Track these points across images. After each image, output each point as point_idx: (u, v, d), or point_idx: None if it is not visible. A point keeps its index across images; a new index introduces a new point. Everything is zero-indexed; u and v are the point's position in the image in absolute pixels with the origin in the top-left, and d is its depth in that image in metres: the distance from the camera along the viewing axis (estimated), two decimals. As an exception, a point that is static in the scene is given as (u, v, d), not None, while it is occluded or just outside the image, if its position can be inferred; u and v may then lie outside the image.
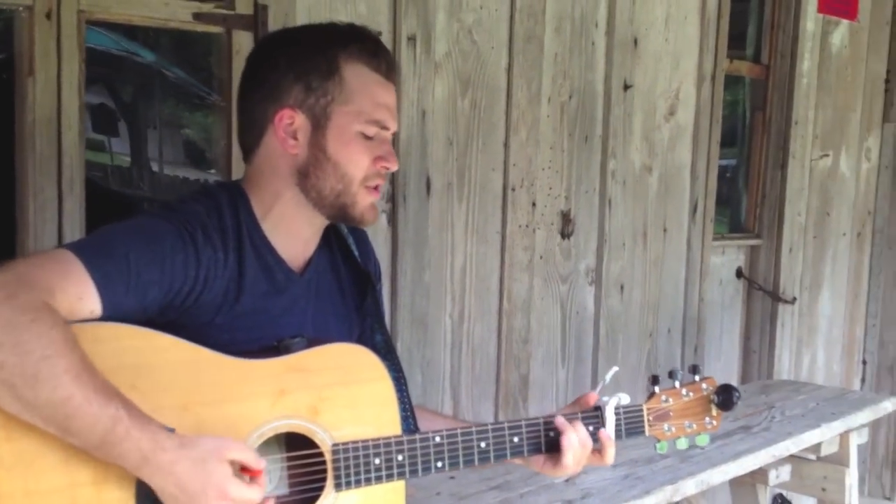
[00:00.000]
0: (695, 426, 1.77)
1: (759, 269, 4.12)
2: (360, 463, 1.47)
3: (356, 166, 1.51)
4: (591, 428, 1.65)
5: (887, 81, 4.72)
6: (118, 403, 1.21)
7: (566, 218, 3.14)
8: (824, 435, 3.27)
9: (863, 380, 4.99)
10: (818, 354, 4.55)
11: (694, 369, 1.81)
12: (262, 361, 1.42)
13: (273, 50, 1.58)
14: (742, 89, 4.06)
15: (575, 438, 1.61)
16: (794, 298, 4.18)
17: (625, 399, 1.71)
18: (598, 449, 1.66)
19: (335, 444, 1.44)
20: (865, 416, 3.46)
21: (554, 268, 3.13)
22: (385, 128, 1.54)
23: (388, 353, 1.69)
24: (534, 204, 3.02)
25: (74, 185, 2.04)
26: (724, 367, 4.04)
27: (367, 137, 1.52)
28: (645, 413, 1.73)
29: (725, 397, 1.77)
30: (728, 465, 2.86)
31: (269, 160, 1.53)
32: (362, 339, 1.73)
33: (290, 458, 1.45)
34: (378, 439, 1.48)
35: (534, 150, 2.99)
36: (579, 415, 1.66)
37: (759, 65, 4.02)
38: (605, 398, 1.70)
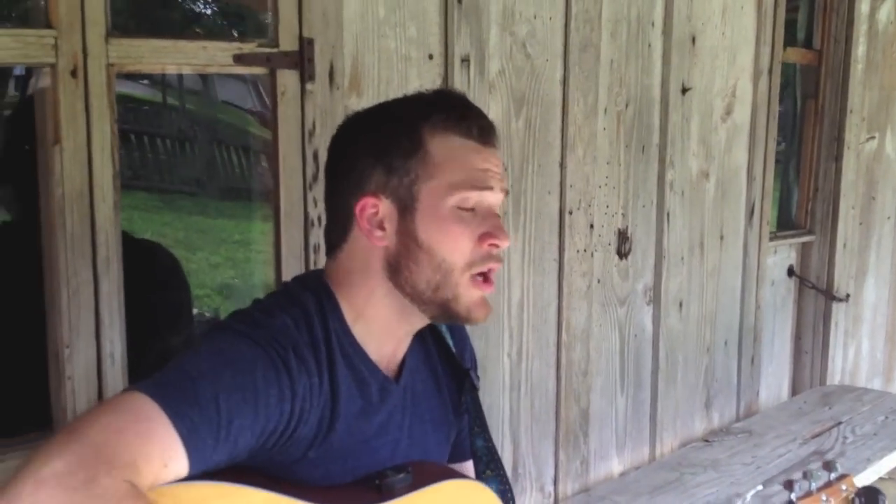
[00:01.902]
0: None
1: (812, 267, 3.91)
2: None
3: (454, 250, 1.28)
4: None
5: (931, 54, 4.47)
6: None
7: (623, 236, 2.91)
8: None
9: (905, 365, 4.82)
10: (863, 344, 4.36)
11: (828, 466, 1.62)
12: None
13: (351, 134, 1.38)
14: (793, 77, 3.81)
15: None
16: (848, 296, 3.97)
17: None
18: None
19: None
20: (937, 433, 3.29)
21: (612, 291, 2.90)
22: (486, 188, 1.29)
23: (490, 462, 1.51)
24: (591, 226, 2.79)
25: (111, 264, 1.79)
26: (775, 371, 3.85)
27: (466, 211, 1.28)
28: None
29: (869, 502, 1.58)
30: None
31: (357, 256, 1.32)
32: (458, 443, 1.54)
33: None
34: None
35: (591, 168, 2.75)
36: None
37: (812, 51, 3.77)
38: None
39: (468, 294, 1.30)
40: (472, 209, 1.29)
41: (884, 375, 4.60)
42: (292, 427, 1.20)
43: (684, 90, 3.02)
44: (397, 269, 1.30)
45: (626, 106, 2.84)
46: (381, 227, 1.29)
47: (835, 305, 3.91)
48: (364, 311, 1.32)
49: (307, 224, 2.10)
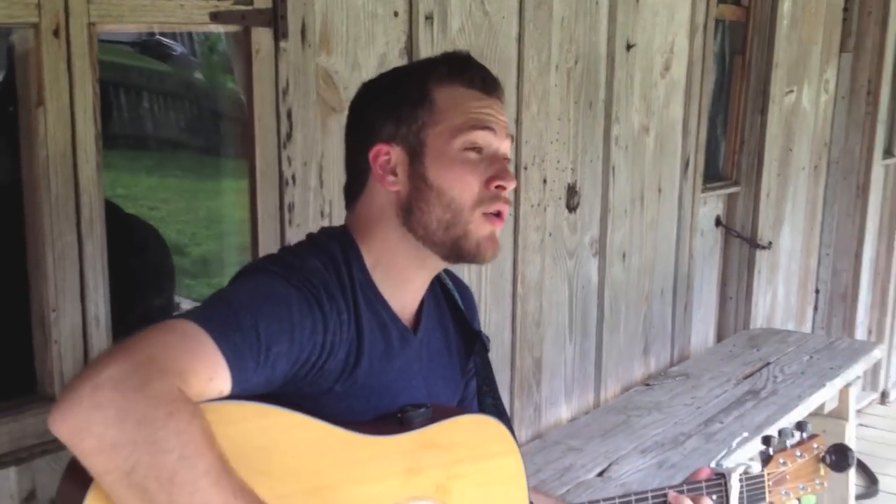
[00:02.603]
0: (808, 488, 1.71)
1: (738, 217, 4.07)
2: None
3: (463, 189, 1.35)
4: (714, 497, 1.59)
5: (845, 10, 4.65)
6: None
7: (572, 190, 2.98)
8: (829, 393, 3.29)
9: (815, 308, 5.08)
10: (779, 289, 4.58)
11: (800, 426, 1.74)
12: (391, 438, 1.31)
13: (365, 95, 1.47)
14: (722, 34, 3.92)
15: None
16: (770, 243, 4.16)
17: (754, 469, 1.63)
18: None
19: None
20: (860, 367, 3.50)
21: (562, 244, 2.98)
22: (488, 128, 1.37)
23: (499, 419, 1.55)
24: (544, 181, 2.85)
25: (94, 226, 1.77)
26: (703, 317, 4.01)
27: (472, 151, 1.36)
28: (766, 479, 1.66)
29: (840, 460, 1.71)
30: (755, 440, 2.83)
31: (373, 203, 1.41)
32: (464, 402, 1.62)
33: None
34: None
35: (544, 124, 2.81)
36: (703, 486, 1.59)
37: (741, 7, 3.88)
38: (728, 465, 1.62)
39: (478, 230, 1.36)
40: (478, 150, 1.36)
41: (797, 318, 4.84)
42: (323, 358, 1.27)
43: (628, 47, 3.09)
44: (410, 211, 1.37)
45: (576, 63, 2.90)
46: (394, 173, 1.37)
47: (758, 253, 4.09)
48: (381, 257, 1.39)
49: (282, 183, 2.10)
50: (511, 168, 2.68)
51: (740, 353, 3.66)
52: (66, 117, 1.70)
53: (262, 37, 2.02)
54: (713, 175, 3.96)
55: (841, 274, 5.04)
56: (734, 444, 1.67)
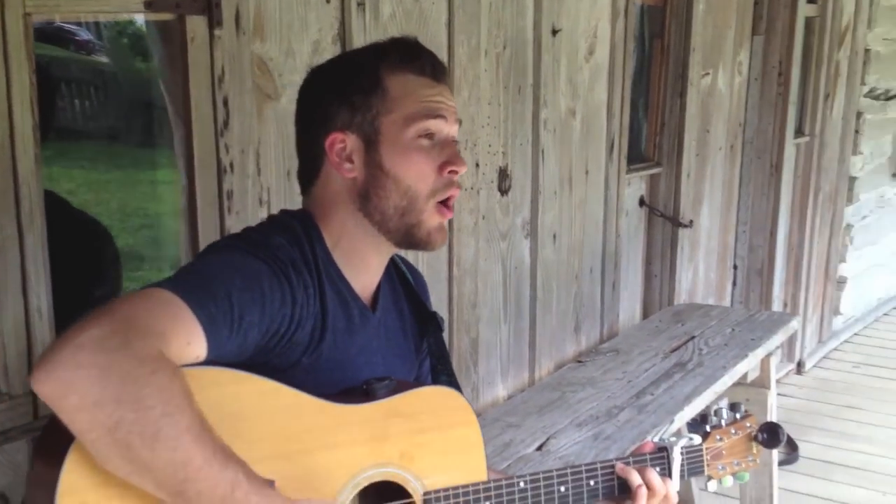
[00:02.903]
0: (742, 464, 1.79)
1: (660, 196, 4.18)
2: None
3: (418, 177, 1.42)
4: (658, 469, 1.65)
5: (757, -7, 4.80)
6: (235, 466, 1.13)
7: (504, 174, 3.04)
8: (751, 363, 3.42)
9: (734, 283, 5.24)
10: (699, 266, 4.72)
11: (734, 407, 1.82)
12: (360, 406, 1.38)
13: (316, 81, 1.51)
14: (641, 18, 4.02)
15: (639, 480, 1.60)
16: (692, 221, 4.28)
17: (695, 440, 1.70)
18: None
19: (426, 493, 1.42)
20: (779, 338, 3.64)
21: (495, 226, 3.04)
22: (439, 115, 1.43)
23: None
24: (477, 164, 2.90)
25: (34, 217, 1.76)
26: (630, 295, 4.12)
27: (425, 139, 1.42)
28: (705, 453, 1.73)
29: (771, 438, 1.79)
30: (683, 411, 2.94)
31: (329, 189, 1.46)
32: (419, 380, 1.67)
33: None
34: (467, 486, 1.46)
35: (475, 109, 2.86)
36: (647, 458, 1.65)
37: (658, -9, 3.98)
38: (671, 438, 1.69)
39: (430, 220, 1.43)
40: (430, 136, 1.42)
41: (716, 294, 5.00)
42: (292, 330, 1.33)
43: (554, 31, 3.15)
44: (367, 198, 1.43)
45: (504, 48, 2.95)
46: (350, 160, 1.43)
47: (680, 231, 4.21)
48: (340, 239, 1.45)
49: (220, 171, 2.11)
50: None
51: (666, 328, 3.77)
52: (4, 109, 1.69)
53: (196, 25, 2.02)
54: (636, 156, 4.06)
55: (757, 250, 5.21)
56: (674, 419, 1.73)
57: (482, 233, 2.98)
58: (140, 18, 2.15)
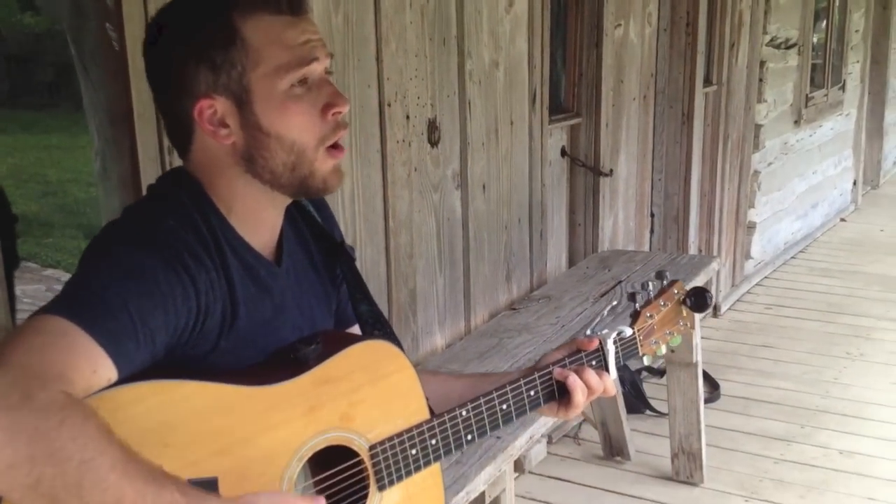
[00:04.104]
0: (674, 332, 1.83)
1: (581, 147, 4.27)
2: (399, 458, 1.45)
3: (301, 129, 1.31)
4: (594, 363, 1.66)
5: (662, -54, 4.91)
6: (171, 486, 1.09)
7: (433, 126, 3.07)
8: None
9: (651, 231, 5.39)
10: (619, 214, 4.84)
11: (660, 275, 1.83)
12: (288, 383, 1.33)
13: (164, 35, 1.33)
14: (556, -30, 4.07)
15: (578, 381, 1.60)
16: (611, 171, 4.39)
17: (627, 332, 1.74)
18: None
19: (372, 447, 1.41)
20: (702, 279, 3.77)
21: (427, 178, 3.08)
22: (312, 59, 1.31)
23: (376, 324, 1.60)
24: (407, 116, 2.93)
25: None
26: (556, 243, 4.21)
27: (300, 87, 1.31)
28: (637, 335, 1.75)
29: (699, 300, 1.80)
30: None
31: (208, 155, 1.34)
32: (340, 311, 1.64)
33: (332, 475, 1.40)
34: (411, 429, 1.46)
35: (403, 62, 2.88)
36: (583, 357, 1.66)
37: (571, -56, 4.04)
38: (604, 331, 1.73)
39: (323, 166, 1.35)
40: (304, 82, 1.31)
41: (636, 241, 5.13)
42: (201, 321, 1.27)
43: (475, -17, 3.19)
44: (252, 160, 1.33)
45: (427, 0, 2.98)
46: (224, 125, 1.31)
47: (601, 180, 4.31)
48: (232, 203, 1.36)
49: (160, 125, 2.09)
50: (375, 106, 2.76)
51: (594, 273, 3.87)
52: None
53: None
54: (557, 108, 4.13)
55: (672, 197, 5.36)
56: (605, 311, 1.78)
57: (415, 185, 3.01)
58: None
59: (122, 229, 1.28)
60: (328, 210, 1.62)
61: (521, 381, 1.60)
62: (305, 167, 1.34)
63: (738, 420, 4.43)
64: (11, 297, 1.96)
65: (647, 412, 4.42)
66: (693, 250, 5.57)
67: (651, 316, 1.79)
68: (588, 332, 1.74)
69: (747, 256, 6.49)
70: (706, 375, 4.82)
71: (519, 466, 3.70)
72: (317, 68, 1.32)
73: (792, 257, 7.25)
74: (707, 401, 4.53)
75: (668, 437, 3.88)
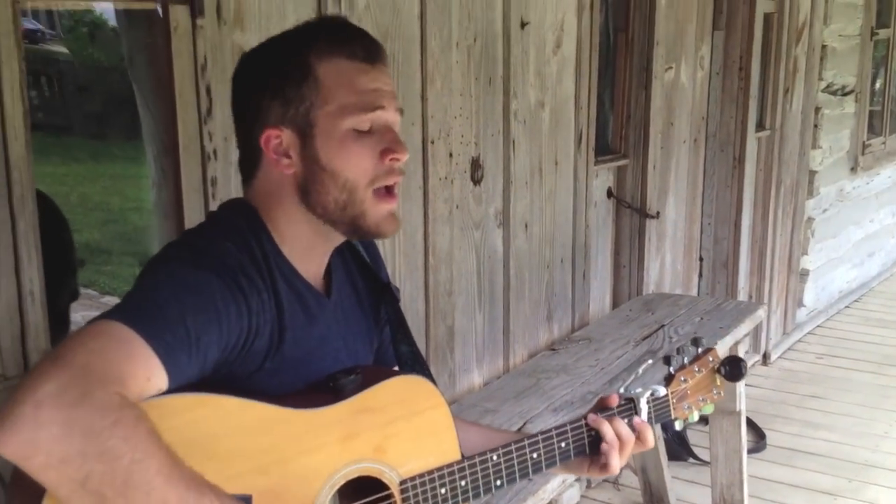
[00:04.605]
0: (707, 399, 1.85)
1: (627, 188, 4.26)
2: (429, 496, 1.47)
3: (356, 169, 1.36)
4: (626, 420, 1.68)
5: (716, -10, 4.91)
6: (210, 496, 1.13)
7: (476, 164, 3.10)
8: (720, 351, 3.49)
9: (700, 275, 5.34)
10: (666, 257, 4.81)
11: (696, 342, 1.87)
12: (326, 409, 1.37)
13: (247, 69, 1.44)
14: (606, 12, 4.10)
15: (611, 433, 1.64)
16: (658, 213, 4.37)
17: (661, 391, 1.75)
18: (637, 437, 1.69)
19: (403, 482, 1.43)
20: (747, 326, 3.73)
21: (468, 215, 3.10)
22: (379, 107, 1.37)
23: (415, 364, 1.64)
24: (450, 154, 2.96)
25: (26, 202, 1.80)
26: (599, 285, 4.19)
27: (363, 133, 1.37)
28: (670, 398, 1.78)
29: (734, 370, 1.84)
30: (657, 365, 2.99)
31: (270, 182, 1.41)
32: (381, 351, 1.68)
33: None
34: (442, 468, 1.48)
35: (448, 100, 2.92)
36: (615, 410, 1.69)
37: (622, -14, 4.07)
38: (637, 390, 1.74)
39: (375, 210, 1.39)
40: (368, 130, 1.37)
41: (683, 285, 5.09)
42: (250, 340, 1.31)
43: (523, 24, 3.22)
44: (307, 192, 1.38)
45: (475, 40, 3.02)
46: (287, 156, 1.37)
47: (647, 222, 4.29)
48: (286, 232, 1.41)
49: (204, 157, 2.15)
50: (418, 143, 2.80)
51: (637, 316, 3.84)
52: (-6, 94, 1.72)
53: (179, 14, 2.06)
54: (603, 148, 4.13)
55: (722, 242, 5.32)
56: (640, 370, 1.78)
57: (456, 222, 3.03)
58: (106, 7, 2.17)
59: (183, 248, 1.34)
60: (376, 250, 1.67)
61: (553, 432, 1.62)
62: (356, 207, 1.38)
63: (783, 472, 4.34)
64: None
65: (690, 460, 4.36)
66: (743, 296, 5.51)
67: (685, 380, 1.80)
68: (621, 389, 1.75)
69: (800, 304, 6.39)
70: (752, 424, 4.75)
71: (553, 509, 3.67)
72: (382, 116, 1.38)
73: (846, 306, 7.10)
74: (752, 450, 4.46)
75: (710, 486, 3.82)
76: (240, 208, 1.43)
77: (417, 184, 2.84)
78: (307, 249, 1.44)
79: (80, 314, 2.43)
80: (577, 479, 3.91)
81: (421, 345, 2.89)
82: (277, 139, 1.36)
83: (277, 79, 1.36)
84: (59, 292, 2.14)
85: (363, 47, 1.39)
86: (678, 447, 4.33)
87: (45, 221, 2.23)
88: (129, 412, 1.08)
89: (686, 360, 1.82)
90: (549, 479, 2.50)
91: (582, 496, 3.98)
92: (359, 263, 1.61)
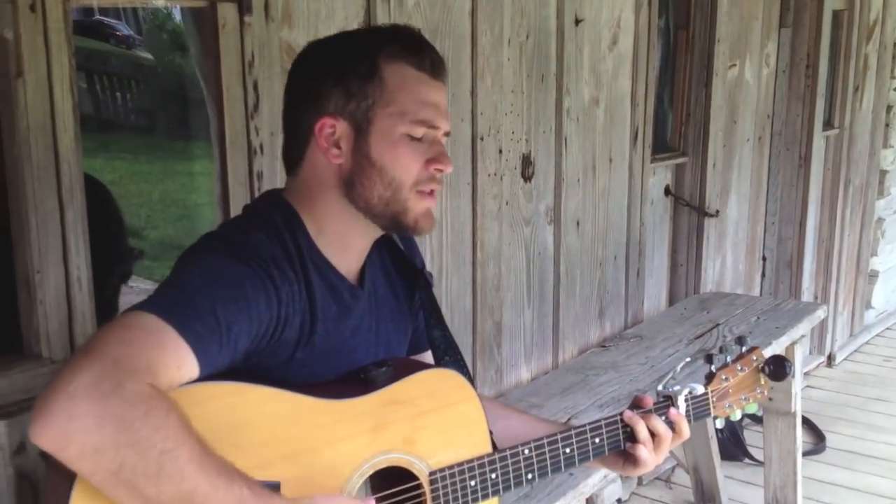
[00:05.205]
0: (749, 398, 1.83)
1: (686, 186, 4.22)
2: (458, 487, 1.48)
3: (404, 170, 1.41)
4: (663, 418, 1.68)
5: (784, -13, 4.83)
6: (240, 483, 1.16)
7: (527, 161, 3.11)
8: (775, 351, 3.44)
9: (763, 275, 5.26)
10: (727, 256, 4.74)
11: (740, 340, 1.85)
12: (356, 400, 1.39)
13: (313, 57, 1.48)
14: (665, 9, 4.06)
15: (645, 431, 1.64)
16: (717, 211, 4.32)
17: (699, 390, 1.74)
18: (673, 430, 1.69)
19: (432, 473, 1.45)
20: (805, 326, 3.66)
21: (518, 212, 3.11)
22: (434, 127, 1.43)
23: (448, 349, 1.66)
24: (500, 151, 2.97)
25: (74, 192, 1.86)
26: (655, 283, 4.16)
27: (415, 139, 1.42)
28: (710, 396, 1.77)
29: (778, 370, 1.82)
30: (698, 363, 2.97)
31: (315, 173, 1.44)
32: (416, 337, 1.70)
33: (391, 495, 1.44)
34: (472, 461, 1.50)
35: (498, 97, 2.93)
36: (652, 408, 1.69)
37: (683, -17, 4.03)
38: (675, 387, 1.73)
39: (416, 207, 1.44)
40: (420, 138, 1.42)
41: (745, 285, 5.02)
42: (280, 330, 1.34)
43: (577, 21, 3.21)
44: (352, 185, 1.42)
45: (527, 37, 3.02)
46: (338, 146, 1.41)
47: (706, 221, 4.24)
48: (324, 225, 1.44)
49: (250, 152, 2.20)
50: (468, 139, 2.82)
51: (691, 315, 3.81)
52: (45, 89, 1.79)
53: (227, 12, 2.11)
54: (661, 146, 4.10)
55: (786, 242, 5.23)
56: (678, 367, 1.78)
57: (505, 218, 3.05)
58: (177, 11, 2.24)
59: (215, 240, 1.38)
60: (412, 239, 1.69)
61: (587, 428, 1.63)
62: (399, 204, 1.43)
63: (842, 475, 4.26)
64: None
65: (745, 460, 4.30)
66: (808, 297, 5.41)
67: (726, 379, 1.79)
68: (660, 387, 1.74)
69: (868, 306, 6.25)
70: (812, 426, 4.66)
71: (595, 505, 3.66)
72: (433, 133, 1.44)
73: (918, 309, 6.92)
74: (811, 452, 4.39)
75: (762, 486, 3.77)
76: (275, 201, 1.46)
77: (466, 180, 2.86)
78: (343, 243, 1.47)
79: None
80: (626, 477, 3.90)
81: (468, 339, 2.93)
82: (332, 128, 1.41)
83: (343, 71, 1.40)
84: (108, 279, 2.20)
85: (431, 60, 1.44)
86: (733, 447, 4.29)
87: (96, 209, 2.32)
88: (159, 402, 1.11)
89: (729, 359, 1.80)
90: (590, 474, 2.50)
91: (633, 493, 3.96)
92: (392, 251, 1.64)
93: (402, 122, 1.40)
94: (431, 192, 1.46)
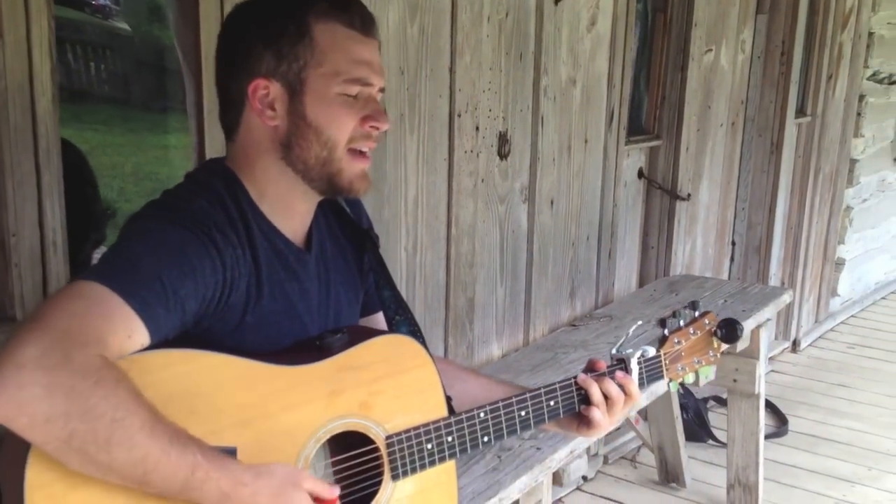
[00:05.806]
0: (703, 361, 1.85)
1: (659, 169, 4.26)
2: (414, 451, 1.51)
3: (339, 128, 1.42)
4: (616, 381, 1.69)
5: (761, -27, 4.86)
6: (193, 448, 1.18)
7: (503, 138, 3.12)
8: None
9: (732, 259, 5.32)
10: (697, 240, 4.79)
11: (693, 305, 1.87)
12: (311, 366, 1.41)
13: (241, 20, 1.46)
14: (644, -8, 4.09)
15: (598, 393, 1.65)
16: (689, 195, 4.36)
17: (651, 352, 1.77)
18: (624, 392, 1.69)
19: (388, 437, 1.47)
20: (771, 310, 3.72)
21: (493, 189, 3.13)
22: (368, 84, 1.43)
23: (398, 308, 1.68)
24: (477, 128, 2.99)
25: (51, 156, 1.86)
26: (626, 264, 4.20)
27: (350, 97, 1.42)
28: (662, 359, 1.79)
29: (729, 332, 1.84)
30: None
31: (252, 137, 1.44)
32: (367, 298, 1.71)
33: (348, 459, 1.46)
34: (428, 424, 1.52)
35: (476, 74, 2.94)
36: (606, 371, 1.70)
37: (662, -33, 4.04)
38: (628, 350, 1.74)
39: (350, 168, 1.44)
40: (355, 96, 1.42)
41: (714, 269, 5.08)
42: (226, 294, 1.35)
43: (556, 1, 3.23)
44: (288, 147, 1.42)
45: (507, 15, 3.03)
46: (272, 108, 1.41)
47: (678, 204, 4.28)
48: (265, 189, 1.45)
49: (228, 121, 2.19)
50: (445, 115, 2.83)
51: (660, 296, 3.86)
52: (23, 50, 1.78)
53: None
54: (636, 129, 4.13)
55: (756, 227, 5.29)
56: (630, 331, 1.80)
57: (481, 195, 3.06)
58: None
59: (157, 208, 1.38)
60: (358, 201, 1.69)
61: (542, 390, 1.65)
62: (334, 164, 1.43)
63: (802, 457, 4.34)
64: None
65: (709, 441, 4.37)
66: (775, 282, 5.47)
67: (679, 342, 1.81)
68: (613, 350, 1.76)
69: (833, 293, 6.34)
70: (775, 409, 4.74)
71: (558, 479, 3.71)
72: (367, 90, 1.44)
73: (882, 298, 7.03)
74: (774, 435, 4.47)
75: (724, 467, 3.83)
76: (216, 168, 1.47)
77: (443, 156, 2.87)
78: (286, 206, 1.47)
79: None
80: (593, 455, 3.95)
81: (441, 314, 2.96)
82: (265, 90, 1.40)
83: (273, 32, 1.40)
84: (82, 245, 2.20)
85: (360, 17, 1.44)
86: (698, 429, 4.35)
87: (72, 173, 2.30)
88: (109, 372, 1.12)
89: (682, 323, 1.82)
90: (557, 448, 2.54)
91: (598, 472, 4.01)
92: (338, 214, 1.65)
93: (335, 82, 1.40)
94: (364, 154, 1.46)
